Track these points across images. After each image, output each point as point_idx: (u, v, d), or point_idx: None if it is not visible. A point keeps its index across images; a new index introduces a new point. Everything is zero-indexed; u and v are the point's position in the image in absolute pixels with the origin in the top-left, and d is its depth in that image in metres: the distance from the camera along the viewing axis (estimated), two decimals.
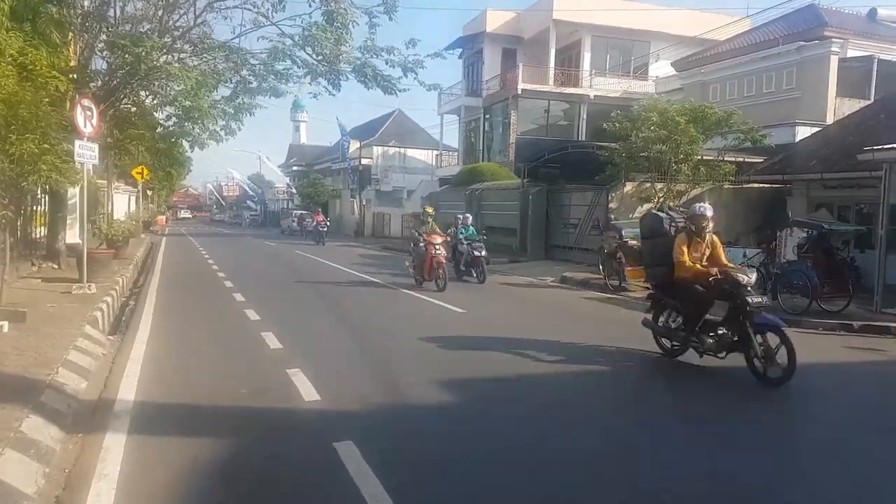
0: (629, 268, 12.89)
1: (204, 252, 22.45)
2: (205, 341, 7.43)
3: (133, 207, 35.95)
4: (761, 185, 16.29)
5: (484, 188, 24.97)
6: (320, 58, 13.28)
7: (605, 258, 13.60)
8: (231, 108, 12.57)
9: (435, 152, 48.41)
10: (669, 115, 14.35)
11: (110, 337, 7.45)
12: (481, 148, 34.61)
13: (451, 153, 41.29)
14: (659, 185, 15.69)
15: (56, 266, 12.54)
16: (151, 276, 14.19)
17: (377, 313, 9.60)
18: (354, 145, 48.95)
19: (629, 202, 16.51)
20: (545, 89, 30.84)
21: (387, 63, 14.04)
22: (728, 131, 15.03)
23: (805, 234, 9.70)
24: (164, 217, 57.51)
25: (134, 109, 13.67)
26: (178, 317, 8.99)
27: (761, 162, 16.09)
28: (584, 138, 30.79)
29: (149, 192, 52.97)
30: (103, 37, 10.63)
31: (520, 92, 30.26)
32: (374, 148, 47.51)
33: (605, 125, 15.87)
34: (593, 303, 11.63)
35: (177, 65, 10.15)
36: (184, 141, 12.82)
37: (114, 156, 22.33)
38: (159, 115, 13.00)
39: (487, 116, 34.06)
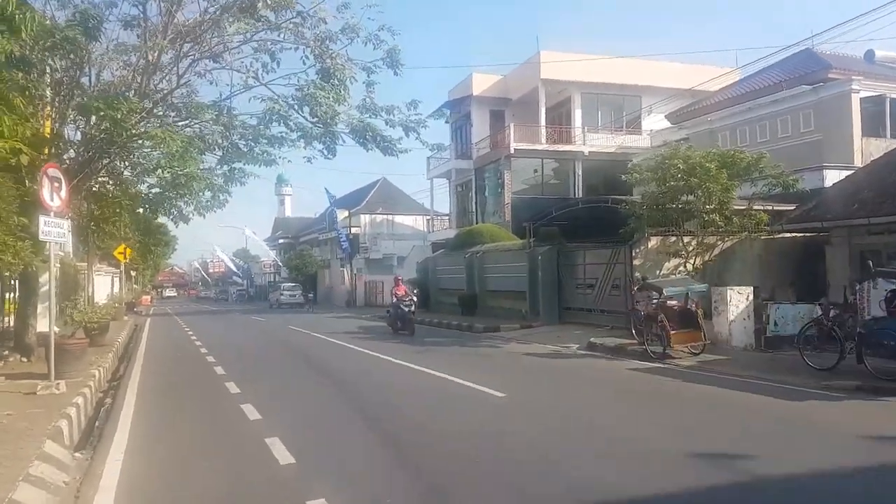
0: (674, 331, 11.56)
1: (190, 332, 20.77)
2: (196, 453, 5.88)
3: (116, 289, 34.21)
4: (794, 235, 15.30)
5: (485, 250, 23.83)
6: (315, 119, 12.30)
7: (644, 321, 12.25)
8: (220, 177, 11.40)
9: (424, 217, 47.85)
10: (696, 161, 13.40)
11: (77, 455, 5.87)
12: (474, 210, 33.78)
13: (441, 218, 40.53)
14: (687, 239, 14.60)
15: (25, 360, 10.95)
16: (133, 364, 12.57)
17: (405, 403, 7.99)
18: (342, 214, 48.25)
19: (655, 258, 15.36)
20: (538, 148, 30.35)
21: (387, 123, 13.13)
22: (758, 177, 14.10)
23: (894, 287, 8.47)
24: (149, 297, 55.68)
25: (111, 185, 12.42)
26: (163, 419, 7.41)
27: (793, 209, 15.14)
28: (580, 195, 30.13)
29: (132, 273, 51.44)
30: (76, 101, 9.47)
31: (512, 151, 29.72)
32: (362, 216, 46.74)
33: (623, 177, 14.90)
34: (646, 376, 10.13)
35: (159, 129, 8.98)
36: (166, 216, 11.56)
37: (94, 236, 21.07)
38: (141, 188, 11.75)
39: (480, 178, 33.40)
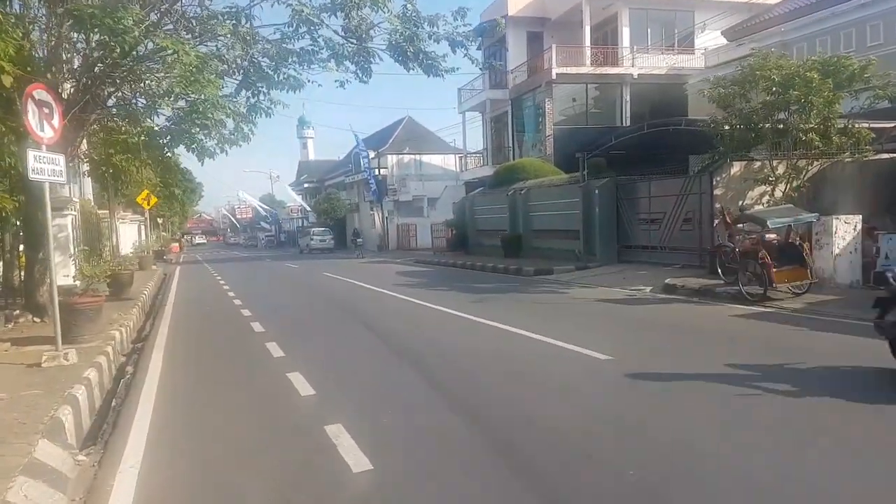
0: (776, 269, 9.83)
1: (222, 281, 19.62)
2: (240, 451, 4.48)
3: (143, 237, 33.31)
4: (892, 155, 13.17)
5: (529, 187, 21.95)
6: (348, 33, 10.42)
7: (739, 259, 10.50)
8: (243, 106, 9.67)
9: (455, 156, 45.78)
10: (793, 70, 11.25)
11: (82, 457, 4.52)
12: (511, 144, 31.63)
13: (474, 156, 38.38)
14: (775, 163, 12.59)
15: (38, 320, 9.72)
16: (160, 320, 11.33)
17: (486, 374, 6.40)
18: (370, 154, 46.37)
19: (738, 186, 13.40)
20: (582, 71, 27.82)
21: (430, 37, 11.19)
22: (863, 88, 11.90)
23: None
24: (178, 244, 55.28)
25: (119, 121, 10.75)
26: (193, 400, 6.04)
27: (893, 126, 12.98)
28: (628, 123, 27.77)
29: (159, 221, 50.84)
30: (68, 6, 7.71)
31: (554, 77, 27.27)
32: (388, 157, 44.84)
33: (704, 92, 12.74)
34: (760, 325, 8.45)
35: (170, 39, 7.22)
36: (188, 151, 9.92)
37: (111, 180, 19.73)
38: (156, 121, 10.09)
39: (517, 109, 31.08)
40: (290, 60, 9.97)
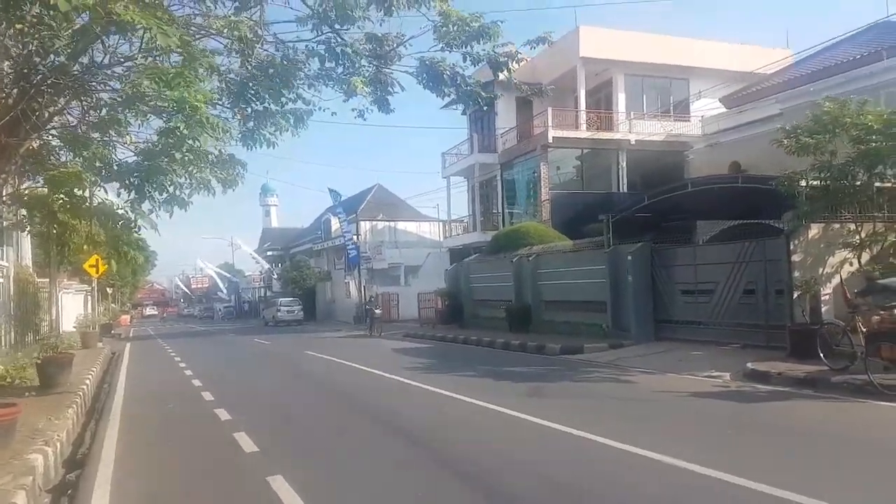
0: None
1: (183, 365, 16.40)
2: None
3: (89, 309, 29.52)
4: None
5: (539, 253, 19.80)
6: (372, 43, 8.32)
7: (867, 341, 8.32)
8: (237, 130, 7.24)
9: (431, 223, 43.93)
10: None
11: None
12: (500, 210, 29.80)
13: (455, 222, 36.39)
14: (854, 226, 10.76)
15: None
16: (105, 428, 8.29)
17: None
18: (336, 223, 44.07)
19: (817, 251, 11.45)
20: (580, 136, 26.53)
21: (465, 58, 9.24)
22: None
23: None
24: (128, 316, 50.90)
25: (63, 152, 8.03)
26: None
27: None
28: (624, 189, 26.44)
29: (109, 290, 46.67)
30: None
31: (551, 140, 25.85)
32: (361, 224, 42.60)
33: (783, 141, 10.88)
34: None
35: (138, 11, 4.78)
36: (157, 195, 7.28)
37: (54, 240, 16.69)
38: (118, 154, 7.44)
39: (508, 173, 29.45)
40: (300, 77, 7.69)
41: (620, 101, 27.36)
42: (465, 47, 9.00)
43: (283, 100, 7.22)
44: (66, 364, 11.00)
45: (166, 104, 5.91)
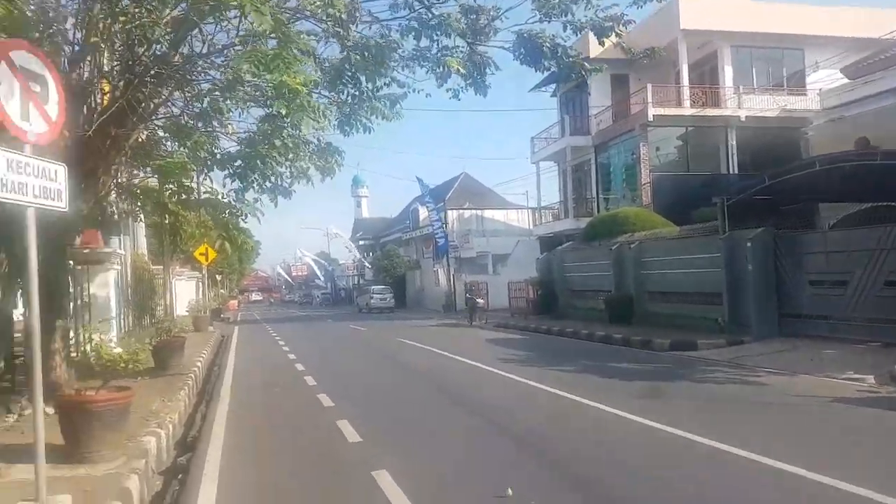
0: None
1: (286, 348, 16.94)
2: None
3: (200, 295, 31.35)
4: None
5: (642, 240, 18.76)
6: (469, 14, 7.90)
7: None
8: (334, 116, 7.09)
9: (518, 211, 43.24)
10: None
11: None
12: (595, 195, 28.66)
13: (544, 210, 35.43)
14: None
15: (52, 412, 7.07)
16: (215, 410, 8.54)
17: None
18: (424, 212, 44.31)
19: None
20: (682, 113, 24.91)
21: (565, 27, 8.61)
22: None
23: None
24: (236, 301, 53.93)
25: (167, 141, 8.23)
26: None
27: None
28: (735, 170, 24.57)
29: (218, 277, 49.59)
30: None
31: (651, 118, 24.42)
32: (449, 213, 42.55)
33: None
34: None
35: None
36: (261, 185, 7.36)
37: (170, 233, 17.68)
38: (221, 144, 7.57)
39: (602, 156, 28.25)
40: (394, 59, 7.44)
41: (727, 74, 25.38)
42: (565, 16, 8.42)
43: (379, 83, 7.01)
44: (178, 347, 11.56)
45: (266, 89, 5.83)
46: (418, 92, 8.60)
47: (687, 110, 24.97)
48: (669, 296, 16.96)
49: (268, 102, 6.07)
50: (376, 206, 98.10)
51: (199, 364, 12.25)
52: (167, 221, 13.94)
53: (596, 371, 10.86)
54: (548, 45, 8.44)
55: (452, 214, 42.33)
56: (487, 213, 43.51)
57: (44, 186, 4.02)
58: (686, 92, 25.35)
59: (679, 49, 25.32)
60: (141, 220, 17.46)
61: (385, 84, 7.23)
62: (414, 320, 28.49)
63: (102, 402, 5.24)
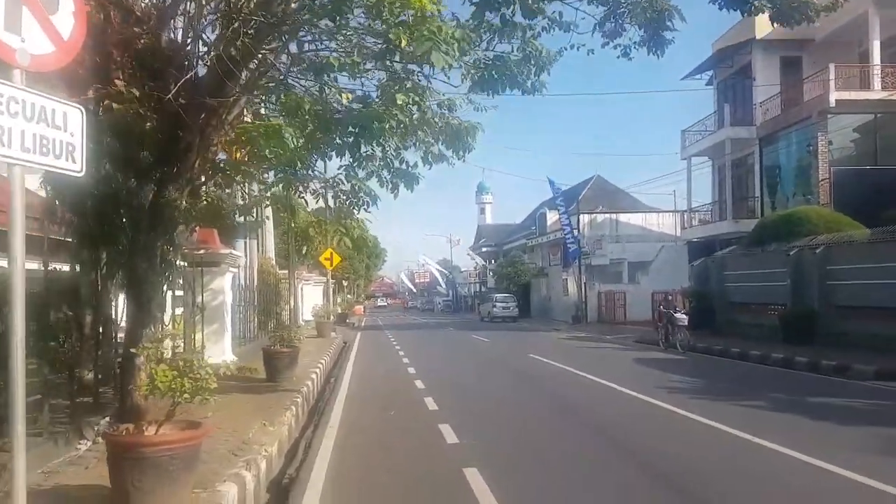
0: None
1: (406, 360, 15.61)
2: None
3: (325, 300, 31.37)
4: None
5: (830, 244, 15.40)
6: None
7: None
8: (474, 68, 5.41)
9: (655, 214, 39.67)
10: None
11: None
12: (760, 193, 24.87)
13: (697, 211, 31.74)
14: None
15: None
16: (321, 438, 7.13)
17: None
18: (552, 217, 41.88)
19: None
20: (871, 97, 20.79)
21: None
22: None
23: None
24: (361, 307, 54.76)
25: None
26: None
27: None
28: None
29: (344, 283, 50.35)
30: None
31: (832, 104, 20.58)
32: (581, 217, 39.78)
33: None
34: None
35: None
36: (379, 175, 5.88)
37: (291, 235, 17.09)
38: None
39: (770, 149, 24.45)
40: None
41: None
42: None
43: (538, 6, 5.18)
44: (291, 358, 10.45)
45: (382, 28, 4.25)
46: (578, 49, 6.68)
47: (877, 93, 20.81)
48: (865, 311, 13.63)
49: (386, 46, 4.51)
50: (500, 211, 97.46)
51: (313, 376, 11.08)
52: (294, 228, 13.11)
53: (795, 409, 8.28)
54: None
55: (584, 219, 39.63)
56: (623, 217, 40.26)
57: (42, 135, 2.63)
58: (877, 73, 21.12)
59: (870, 22, 21.20)
60: (267, 218, 17.05)
61: (546, 21, 5.41)
62: (541, 332, 26.36)
63: (161, 445, 3.85)
